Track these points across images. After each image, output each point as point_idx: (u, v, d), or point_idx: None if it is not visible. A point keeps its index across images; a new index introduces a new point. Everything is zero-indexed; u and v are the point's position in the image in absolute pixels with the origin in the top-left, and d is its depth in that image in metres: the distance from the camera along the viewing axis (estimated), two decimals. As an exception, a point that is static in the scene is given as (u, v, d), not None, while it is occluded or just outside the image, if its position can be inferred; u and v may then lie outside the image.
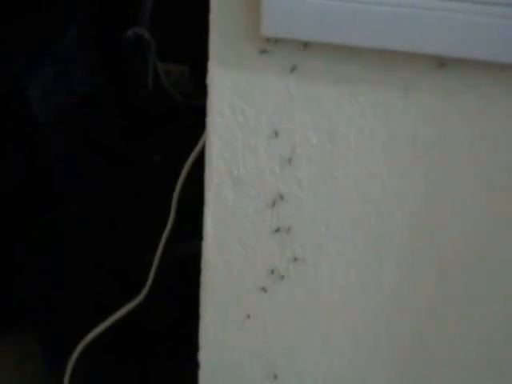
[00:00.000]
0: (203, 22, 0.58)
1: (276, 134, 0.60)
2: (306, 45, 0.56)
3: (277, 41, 0.56)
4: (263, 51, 0.56)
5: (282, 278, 0.66)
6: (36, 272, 1.15)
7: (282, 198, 0.62)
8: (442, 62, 0.55)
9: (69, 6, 0.95)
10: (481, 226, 0.63)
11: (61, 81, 0.98)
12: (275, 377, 0.72)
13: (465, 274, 0.65)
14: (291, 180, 0.61)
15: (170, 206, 0.89)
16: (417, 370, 0.72)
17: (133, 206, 1.05)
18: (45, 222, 1.10)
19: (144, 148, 1.03)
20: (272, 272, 0.66)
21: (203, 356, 0.71)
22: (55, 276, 1.13)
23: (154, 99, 0.99)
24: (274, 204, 0.63)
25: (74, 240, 1.09)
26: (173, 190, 0.88)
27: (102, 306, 1.01)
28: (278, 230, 0.64)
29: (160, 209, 0.91)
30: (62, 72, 0.98)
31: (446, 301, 0.67)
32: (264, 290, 0.67)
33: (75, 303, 1.12)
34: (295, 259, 0.65)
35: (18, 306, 1.22)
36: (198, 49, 0.63)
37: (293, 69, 0.57)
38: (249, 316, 0.69)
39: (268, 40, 0.56)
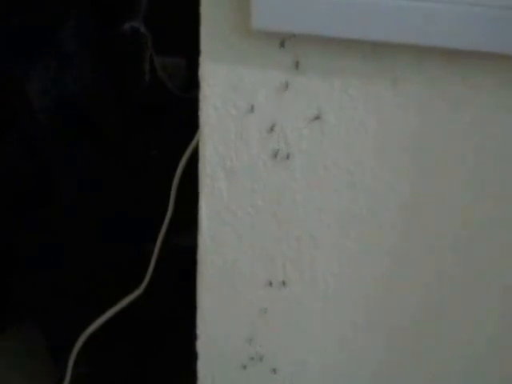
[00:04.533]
0: (198, 15, 0.58)
1: (268, 125, 0.60)
2: (295, 37, 0.56)
3: (267, 33, 0.56)
4: (254, 44, 0.57)
5: (277, 268, 0.67)
6: (36, 265, 1.16)
7: (275, 189, 0.63)
8: (428, 52, 0.56)
9: (64, 1, 0.95)
10: (471, 213, 0.63)
11: (57, 75, 0.98)
12: (273, 368, 0.73)
13: (456, 261, 0.66)
14: (283, 171, 0.62)
15: (168, 199, 0.90)
16: (412, 355, 0.73)
17: (131, 198, 1.06)
18: (44, 214, 1.11)
19: (142, 141, 1.04)
20: (267, 263, 0.67)
21: (201, 346, 0.72)
22: (55, 269, 1.14)
23: (151, 92, 1.00)
24: (267, 195, 0.64)
25: (73, 233, 1.10)
26: (171, 183, 0.88)
27: (103, 298, 1.02)
28: (272, 220, 0.65)
29: (159, 201, 0.92)
30: (58, 66, 0.98)
31: (438, 287, 0.68)
32: (259, 280, 0.68)
33: (76, 296, 1.13)
34: (290, 250, 0.66)
35: (20, 299, 1.23)
36: (194, 42, 0.64)
37: (283, 61, 0.58)
38: (245, 306, 0.69)
39: (258, 33, 0.56)
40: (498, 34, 0.53)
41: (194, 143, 0.82)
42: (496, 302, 0.68)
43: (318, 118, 0.59)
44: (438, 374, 0.73)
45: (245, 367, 0.73)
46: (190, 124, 0.76)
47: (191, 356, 0.74)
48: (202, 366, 0.73)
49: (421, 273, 0.67)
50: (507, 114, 0.58)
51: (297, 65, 0.58)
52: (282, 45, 0.57)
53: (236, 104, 0.60)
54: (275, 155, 0.61)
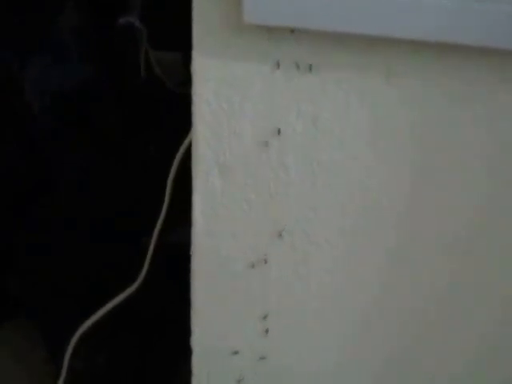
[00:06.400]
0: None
1: (261, 120, 0.60)
2: (288, 31, 0.56)
3: (259, 28, 0.56)
4: (246, 38, 0.57)
5: (271, 263, 0.67)
6: (33, 262, 1.16)
7: (268, 184, 0.63)
8: (423, 46, 0.55)
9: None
10: (467, 209, 0.63)
11: (53, 71, 0.98)
12: (268, 363, 0.73)
13: (455, 260, 0.66)
14: (277, 166, 0.62)
15: (164, 194, 0.90)
16: (411, 354, 0.73)
17: (128, 193, 1.06)
18: (42, 210, 1.11)
19: (137, 136, 1.03)
20: (261, 257, 0.66)
21: (195, 341, 0.72)
22: (52, 266, 1.14)
23: (147, 87, 1.00)
24: (261, 190, 0.63)
25: (70, 229, 1.10)
26: (167, 178, 0.88)
27: (100, 293, 1.02)
28: (266, 215, 0.65)
29: (155, 196, 0.92)
30: (54, 62, 0.98)
31: (437, 286, 0.68)
32: (254, 275, 0.68)
33: (73, 290, 1.13)
34: (284, 245, 0.66)
35: (17, 293, 1.24)
36: (189, 36, 0.64)
37: (276, 55, 0.57)
38: (239, 302, 0.69)
39: (250, 27, 0.56)
40: (493, 29, 0.52)
41: (189, 139, 0.82)
42: (497, 301, 0.68)
43: (311, 112, 0.59)
44: (438, 374, 0.73)
45: (240, 362, 0.73)
46: (186, 119, 0.76)
47: (188, 351, 0.74)
48: (197, 362, 0.73)
49: (418, 271, 0.67)
50: (504, 108, 0.58)
51: (289, 59, 0.57)
52: (275, 39, 0.56)
53: (229, 99, 0.59)
54: (269, 150, 0.61)
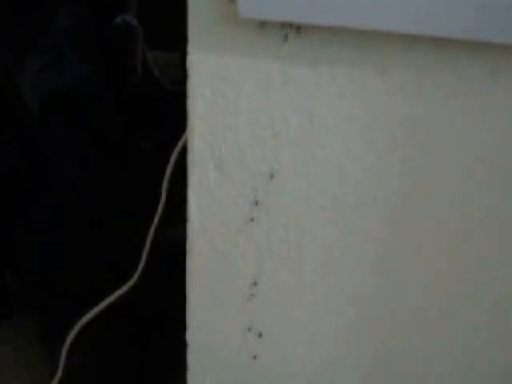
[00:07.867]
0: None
1: (256, 115, 0.60)
2: (283, 26, 0.56)
3: (254, 23, 0.56)
4: (241, 33, 0.57)
5: (266, 259, 0.67)
6: (31, 259, 1.16)
7: (263, 178, 0.63)
8: (417, 41, 0.56)
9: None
10: (460, 203, 0.63)
11: (49, 69, 0.99)
12: (262, 355, 0.73)
13: (448, 258, 0.66)
14: (272, 161, 0.62)
15: (160, 191, 0.90)
16: (404, 349, 0.73)
17: (125, 191, 1.06)
18: (39, 208, 1.11)
19: (134, 134, 1.04)
20: (256, 254, 0.67)
21: (191, 336, 0.72)
22: (49, 263, 1.14)
23: (143, 86, 1.00)
24: (256, 185, 0.64)
25: (67, 226, 1.10)
26: (163, 175, 0.88)
27: (97, 290, 1.02)
28: (260, 211, 0.65)
29: (151, 193, 0.92)
30: (51, 61, 0.98)
31: (429, 282, 0.68)
32: (250, 271, 0.68)
33: (71, 288, 1.13)
34: (278, 239, 0.66)
35: (17, 293, 1.24)
36: (185, 35, 0.64)
37: (271, 51, 0.58)
38: (235, 297, 0.69)
39: (246, 22, 0.56)
40: (489, 22, 0.53)
41: (185, 137, 0.82)
42: (496, 300, 0.68)
43: (305, 107, 0.59)
44: (436, 373, 0.74)
45: (235, 356, 0.73)
46: (183, 117, 0.76)
47: (184, 346, 0.74)
48: (192, 357, 0.73)
49: (412, 265, 0.67)
50: (501, 102, 0.58)
51: (285, 54, 0.58)
52: (269, 34, 0.57)
53: (224, 93, 0.60)
54: (264, 145, 0.61)
